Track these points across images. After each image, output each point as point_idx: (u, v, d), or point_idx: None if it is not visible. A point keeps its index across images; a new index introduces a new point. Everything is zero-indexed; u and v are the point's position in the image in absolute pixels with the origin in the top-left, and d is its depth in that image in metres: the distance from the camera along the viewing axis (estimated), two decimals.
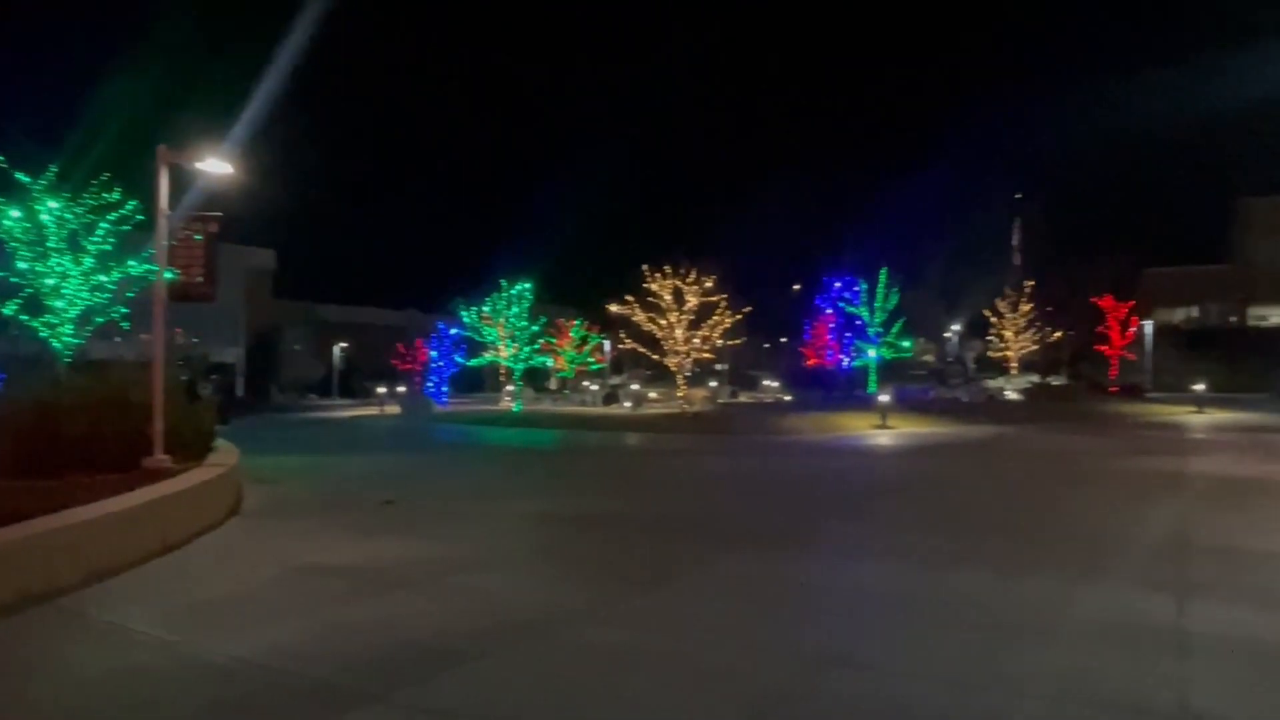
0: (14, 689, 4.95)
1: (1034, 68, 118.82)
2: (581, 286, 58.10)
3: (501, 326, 43.13)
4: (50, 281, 21.32)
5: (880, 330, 43.81)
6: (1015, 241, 62.61)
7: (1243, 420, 29.36)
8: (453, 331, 49.07)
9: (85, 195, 21.08)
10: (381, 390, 46.11)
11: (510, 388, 44.99)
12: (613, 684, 4.94)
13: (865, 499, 12.95)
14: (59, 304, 21.60)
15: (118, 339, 24.90)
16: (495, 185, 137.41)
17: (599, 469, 17.98)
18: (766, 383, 52.69)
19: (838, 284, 44.62)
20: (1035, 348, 51.35)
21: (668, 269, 34.45)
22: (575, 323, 51.48)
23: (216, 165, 11.64)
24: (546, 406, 42.64)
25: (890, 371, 46.20)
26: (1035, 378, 49.08)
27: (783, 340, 56.30)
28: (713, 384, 47.12)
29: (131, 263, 21.88)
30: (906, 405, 33.17)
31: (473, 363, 49.42)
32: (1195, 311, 62.53)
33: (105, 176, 21.19)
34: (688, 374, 37.31)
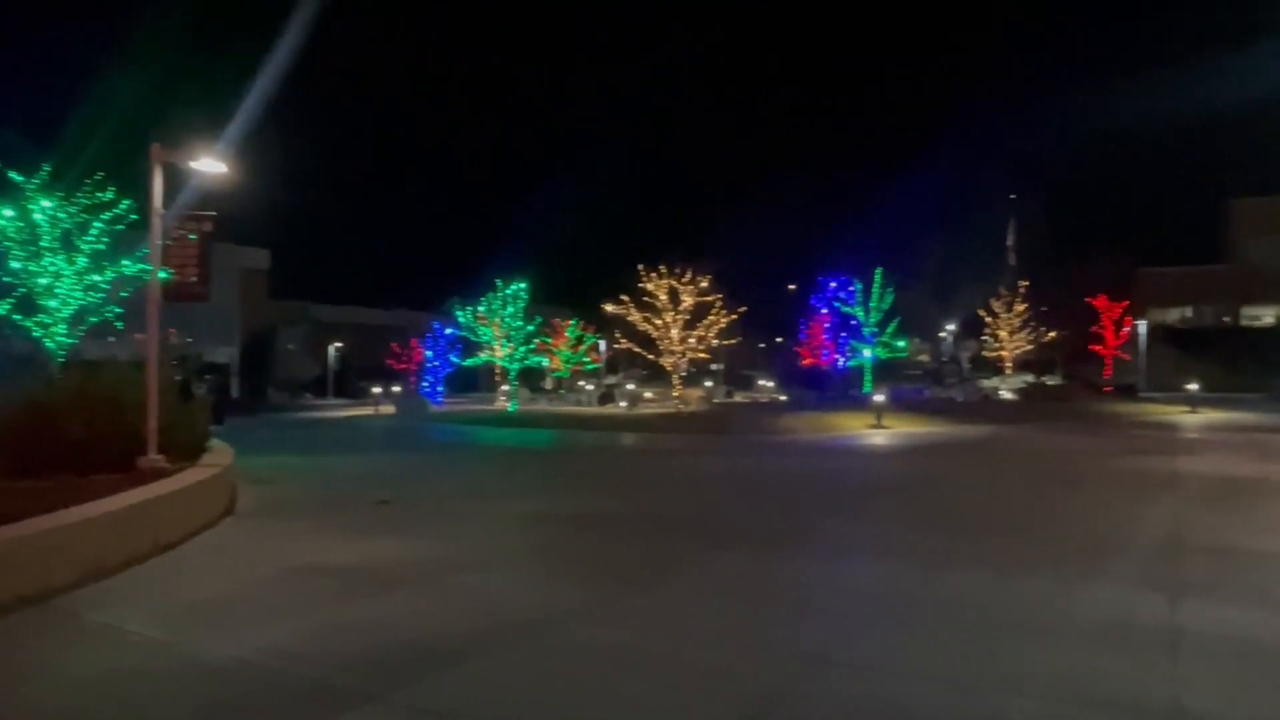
0: (8, 690, 4.92)
1: (1029, 69, 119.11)
2: (577, 286, 58.16)
3: (497, 326, 43.11)
4: (43, 281, 21.24)
5: (875, 330, 43.87)
6: (1010, 242, 62.69)
7: (1236, 420, 29.46)
8: (448, 331, 49.02)
9: (79, 194, 21.01)
10: (377, 390, 46.05)
11: (506, 387, 44.97)
12: (610, 684, 4.93)
13: (861, 499, 12.96)
14: (52, 304, 21.52)
15: (111, 339, 24.80)
16: (491, 185, 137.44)
17: (595, 469, 17.96)
18: (762, 382, 52.77)
19: (833, 284, 44.67)
20: (1030, 347, 51.51)
21: (663, 269, 34.47)
22: (571, 322, 51.49)
23: (211, 164, 11.59)
24: (542, 406, 42.62)
25: (885, 371, 46.29)
26: (1030, 377, 49.24)
27: (778, 340, 56.34)
28: (708, 384, 47.22)
29: (125, 262, 21.80)
30: (901, 405, 33.24)
31: (468, 362, 49.37)
32: (1189, 312, 62.77)
33: (99, 175, 21.13)
34: (683, 374, 37.34)
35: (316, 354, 64.21)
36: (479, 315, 43.84)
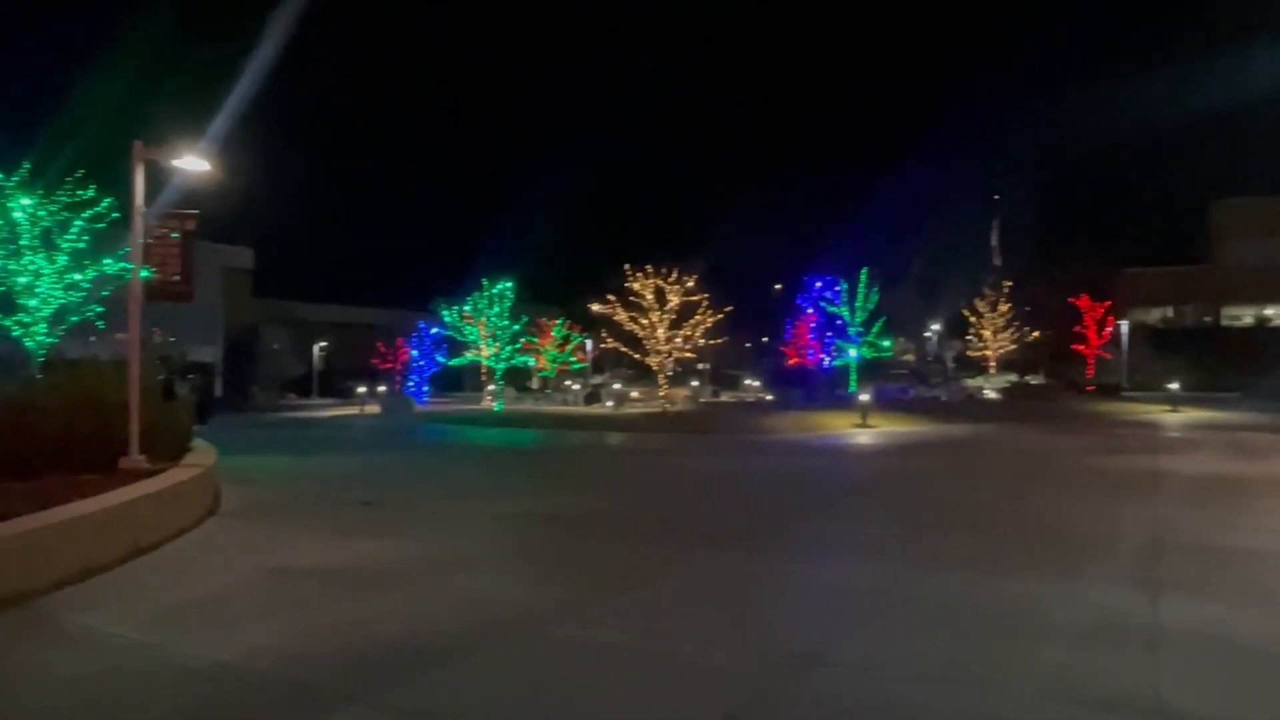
0: None
1: (1014, 71, 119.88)
2: (563, 286, 58.00)
3: (483, 325, 42.98)
4: (23, 280, 21.04)
5: (861, 329, 44.04)
6: (994, 242, 63.06)
7: (1216, 419, 29.77)
8: (434, 331, 48.84)
9: (59, 192, 20.82)
10: (362, 390, 45.82)
11: (492, 387, 44.85)
12: (593, 684, 4.93)
13: (846, 498, 13.02)
14: (32, 303, 21.32)
15: (93, 339, 24.56)
16: (477, 184, 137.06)
17: (580, 469, 17.95)
18: (748, 382, 52.83)
19: (819, 283, 44.81)
20: (1014, 347, 51.86)
21: (649, 268, 34.48)
22: (557, 322, 51.39)
23: (194, 162, 11.51)
24: (528, 406, 42.56)
25: (871, 371, 46.45)
26: (1013, 377, 49.58)
27: (764, 339, 56.41)
28: (694, 383, 47.22)
29: (107, 261, 21.63)
30: (887, 404, 33.41)
31: (454, 362, 49.21)
32: (1170, 312, 63.33)
33: (80, 173, 20.94)
34: (669, 373, 37.34)
35: (301, 353, 63.81)
36: (465, 314, 43.70)
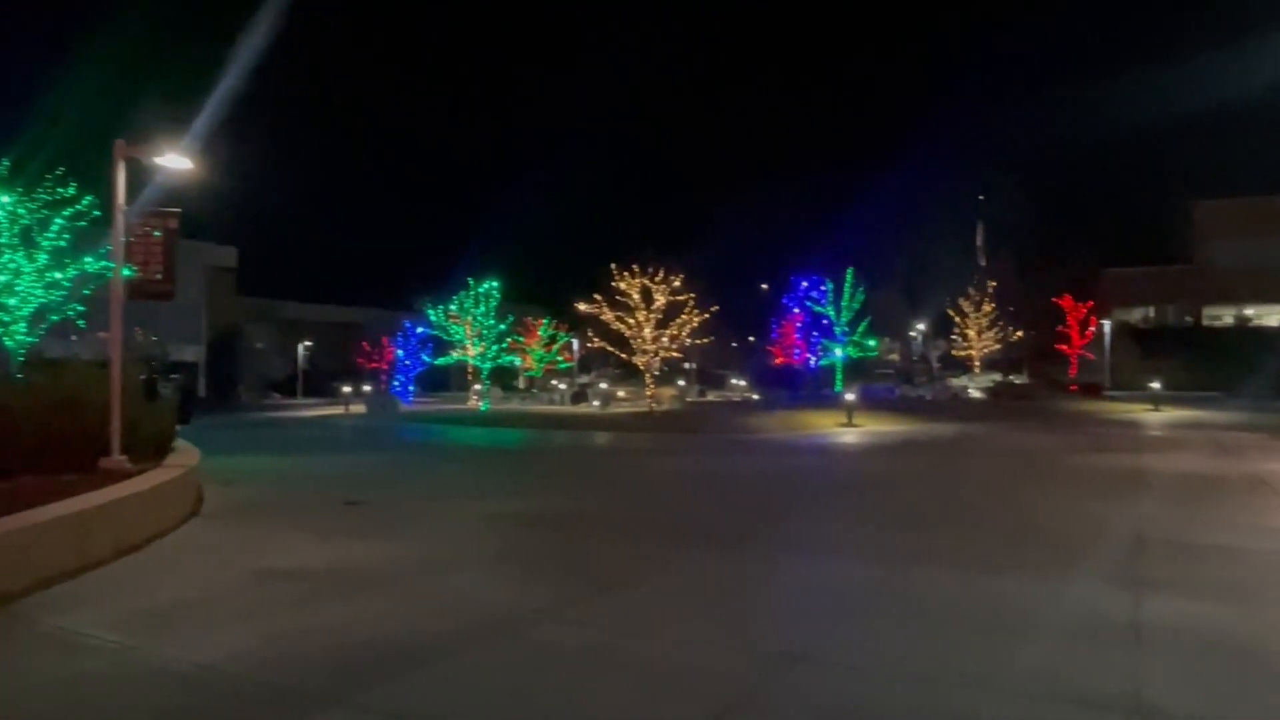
0: None
1: (998, 72, 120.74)
2: (549, 285, 57.95)
3: (469, 325, 42.85)
4: (3, 278, 20.82)
5: (847, 329, 44.24)
6: (979, 242, 63.39)
7: (1197, 418, 30.03)
8: (419, 330, 48.66)
9: (39, 190, 20.61)
10: (347, 389, 45.59)
11: (478, 387, 44.73)
12: (579, 684, 4.92)
13: (832, 497, 13.06)
14: (12, 301, 21.10)
15: (74, 338, 24.35)
16: (463, 183, 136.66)
17: (567, 469, 17.93)
18: (734, 381, 52.90)
19: (805, 284, 44.99)
20: (998, 347, 52.20)
21: (636, 268, 34.47)
22: (543, 321, 51.30)
23: (176, 160, 11.41)
24: (514, 405, 42.48)
25: (856, 370, 46.69)
26: (998, 376, 49.87)
27: (750, 339, 56.55)
28: (681, 383, 47.27)
29: (88, 259, 21.43)
30: (872, 404, 33.54)
31: (440, 361, 49.06)
32: (1152, 312, 63.83)
33: (60, 171, 20.74)
34: (656, 373, 37.35)
35: (286, 353, 63.44)
36: (451, 314, 43.56)
